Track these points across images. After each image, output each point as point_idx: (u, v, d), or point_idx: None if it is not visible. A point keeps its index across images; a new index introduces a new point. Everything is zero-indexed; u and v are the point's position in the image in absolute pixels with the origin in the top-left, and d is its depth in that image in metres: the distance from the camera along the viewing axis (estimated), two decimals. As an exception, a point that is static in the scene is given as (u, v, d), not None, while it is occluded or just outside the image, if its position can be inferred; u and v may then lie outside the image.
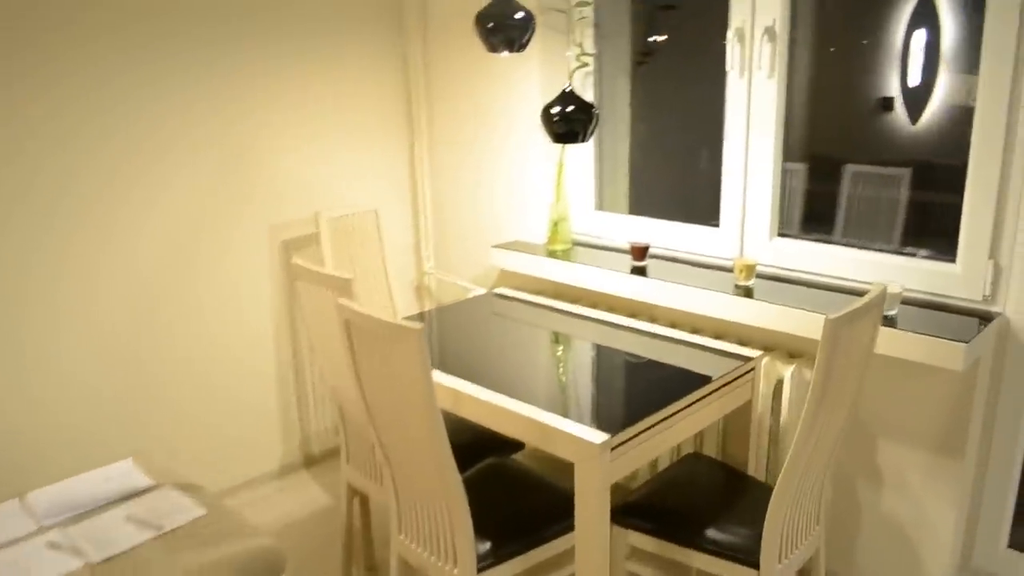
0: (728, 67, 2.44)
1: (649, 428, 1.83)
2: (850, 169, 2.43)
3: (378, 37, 3.16)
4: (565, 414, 1.83)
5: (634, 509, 1.97)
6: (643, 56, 2.94)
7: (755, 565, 1.77)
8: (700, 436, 2.48)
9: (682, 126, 2.88)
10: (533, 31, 2.52)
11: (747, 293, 2.25)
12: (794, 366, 2.21)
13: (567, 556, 1.95)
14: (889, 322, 1.98)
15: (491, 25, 2.48)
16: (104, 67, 2.45)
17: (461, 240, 3.34)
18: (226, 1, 2.68)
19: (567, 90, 2.54)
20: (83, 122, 2.43)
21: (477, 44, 3.05)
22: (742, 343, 2.40)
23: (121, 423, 2.65)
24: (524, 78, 2.90)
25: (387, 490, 1.94)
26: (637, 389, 1.98)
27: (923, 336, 1.89)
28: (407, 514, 1.92)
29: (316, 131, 3.03)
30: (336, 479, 3.11)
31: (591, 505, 1.73)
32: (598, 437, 1.71)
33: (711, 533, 1.85)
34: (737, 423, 2.29)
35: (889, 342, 1.95)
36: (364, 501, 2.48)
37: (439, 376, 2.06)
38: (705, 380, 2.01)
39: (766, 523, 1.72)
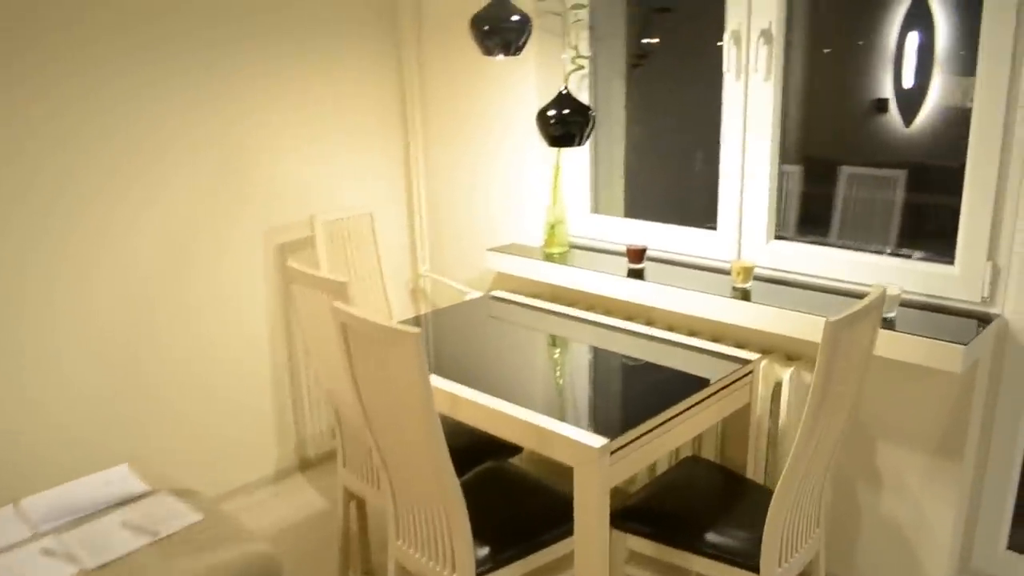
0: (725, 69, 2.44)
1: (648, 432, 1.83)
2: (845, 171, 2.43)
3: (373, 40, 3.16)
4: (563, 418, 1.82)
5: (633, 513, 1.96)
6: (638, 59, 2.94)
7: (755, 569, 1.76)
8: (699, 439, 2.47)
9: (677, 128, 2.88)
10: (529, 34, 2.52)
11: (745, 296, 2.24)
12: (792, 369, 2.20)
13: (566, 561, 1.94)
14: (888, 324, 1.98)
15: (487, 28, 2.47)
16: (105, 68, 2.44)
17: (457, 243, 3.34)
18: (224, 4, 2.67)
19: (563, 93, 2.53)
20: (83, 122, 2.42)
21: (472, 47, 3.04)
22: (740, 346, 2.39)
23: (116, 426, 2.63)
24: (520, 81, 2.90)
25: (384, 494, 1.93)
26: (635, 392, 1.97)
27: (922, 338, 1.89)
28: (404, 519, 1.91)
29: (311, 133, 3.02)
30: (332, 483, 3.10)
31: (590, 509, 1.72)
32: (597, 441, 1.70)
33: (711, 537, 1.84)
34: (735, 426, 2.28)
35: (888, 344, 1.95)
36: (361, 505, 2.47)
37: (436, 380, 2.05)
38: (703, 383, 2.01)
39: (766, 526, 1.72)
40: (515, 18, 2.46)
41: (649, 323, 2.61)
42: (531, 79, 2.86)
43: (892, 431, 2.17)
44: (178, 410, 2.78)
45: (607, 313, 2.72)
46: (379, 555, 2.60)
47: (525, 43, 2.54)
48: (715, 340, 2.44)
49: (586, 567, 1.77)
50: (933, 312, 2.06)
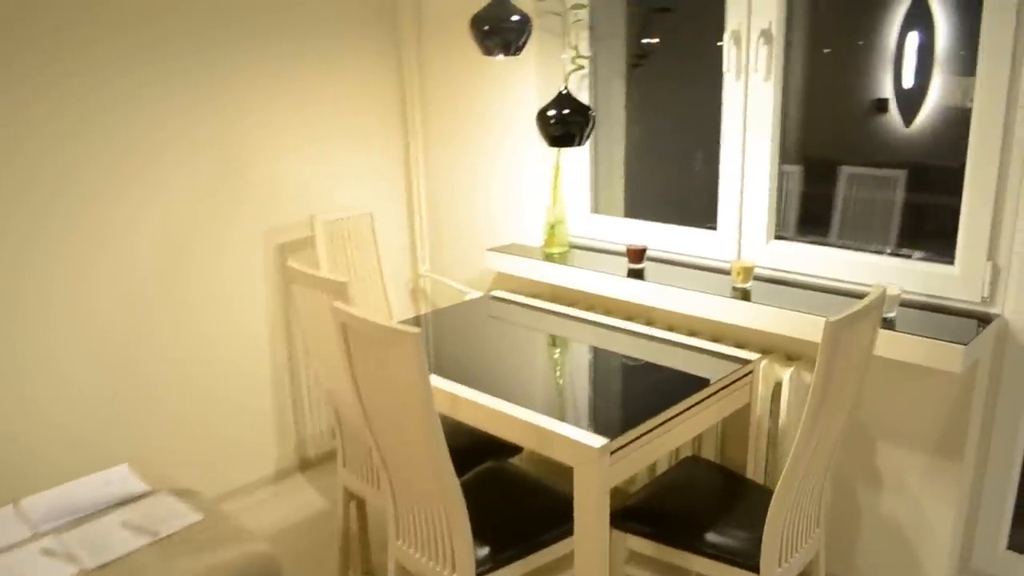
0: (725, 69, 2.44)
1: (648, 432, 1.83)
2: (845, 171, 2.43)
3: (373, 40, 3.16)
4: (563, 418, 1.82)
5: (633, 513, 1.96)
6: (638, 59, 2.94)
7: (755, 569, 1.76)
8: (698, 439, 2.47)
9: (677, 128, 2.88)
10: (529, 34, 2.52)
11: (745, 296, 2.24)
12: (792, 369, 2.20)
13: (566, 561, 1.94)
14: (888, 324, 1.98)
15: (487, 28, 2.47)
16: (103, 68, 2.44)
17: (457, 243, 3.34)
18: (223, 4, 2.67)
19: (563, 93, 2.53)
20: (82, 122, 2.42)
21: (472, 47, 3.04)
22: (740, 346, 2.39)
23: (115, 426, 2.63)
24: (520, 81, 2.90)
25: (384, 494, 1.93)
26: (635, 392, 1.97)
27: (922, 338, 1.89)
28: (404, 519, 1.91)
29: (311, 133, 3.02)
30: (332, 483, 3.10)
31: (590, 509, 1.72)
32: (597, 441, 1.70)
33: (711, 537, 1.84)
34: (735, 426, 2.28)
35: (888, 344, 1.95)
36: (361, 505, 2.47)
37: (436, 380, 2.05)
38: (703, 383, 2.01)
39: (766, 526, 1.72)
40: (515, 18, 2.46)
41: (649, 323, 2.61)
42: (531, 79, 2.86)
43: (892, 431, 2.17)
44: (177, 410, 2.78)
45: (607, 313, 2.72)
46: (379, 555, 2.59)
47: (525, 43, 2.53)
48: (715, 340, 2.44)
49: (586, 567, 1.77)
50: (933, 312, 2.06)
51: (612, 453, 1.73)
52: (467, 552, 1.75)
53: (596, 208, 3.02)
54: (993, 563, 2.17)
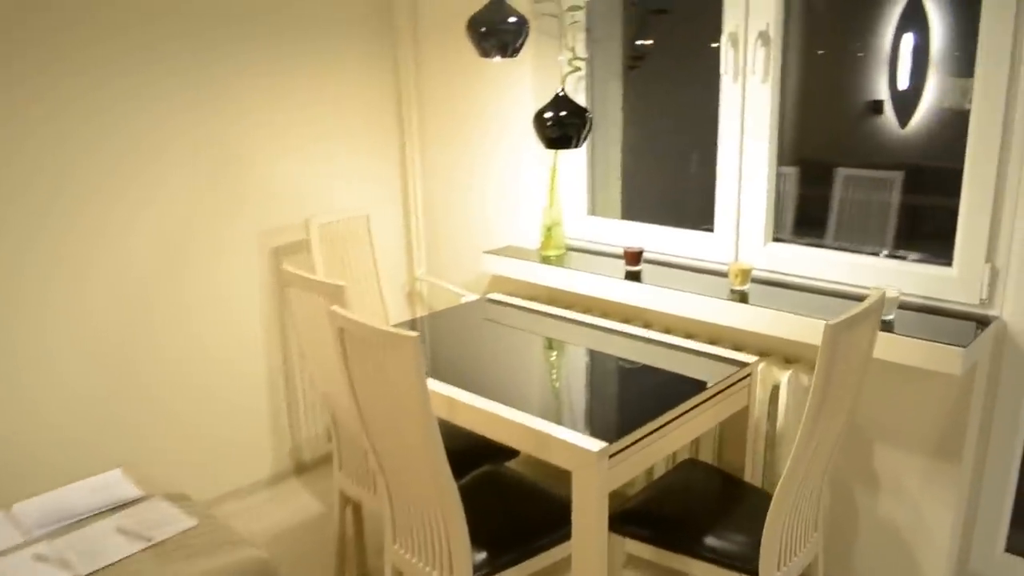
0: (722, 71, 2.43)
1: (646, 435, 1.82)
2: (842, 173, 2.43)
3: (369, 41, 3.15)
4: (561, 422, 1.81)
5: (631, 517, 1.95)
6: (635, 60, 2.94)
7: (754, 572, 1.75)
8: (696, 442, 2.46)
9: (674, 130, 2.88)
10: (526, 36, 2.51)
11: (742, 298, 2.24)
12: (790, 371, 2.20)
13: (564, 565, 1.93)
14: (887, 327, 1.97)
15: (484, 30, 2.46)
16: (102, 69, 2.44)
17: (453, 245, 3.32)
18: (221, 5, 2.66)
19: (560, 94, 2.52)
20: (80, 123, 2.42)
21: (469, 48, 3.03)
22: (737, 348, 2.38)
23: (110, 428, 2.61)
24: (516, 83, 2.89)
25: (381, 498, 1.92)
26: (633, 395, 1.96)
27: (921, 341, 1.89)
28: (401, 523, 1.90)
29: (307, 135, 3.01)
30: (328, 487, 3.08)
31: (589, 513, 1.71)
32: (595, 445, 1.69)
33: (709, 540, 1.83)
34: (733, 429, 2.27)
35: (887, 347, 1.94)
36: (357, 509, 2.46)
37: (433, 383, 2.04)
38: (701, 386, 2.00)
39: (765, 530, 1.71)
40: (512, 20, 2.46)
41: (646, 326, 2.60)
42: (528, 81, 2.85)
43: (890, 434, 2.16)
44: (173, 412, 2.77)
45: (604, 316, 2.71)
46: (375, 560, 2.58)
47: (522, 45, 2.53)
48: (713, 343, 2.43)
49: (584, 571, 1.76)
50: (931, 314, 2.06)
51: (610, 457, 1.72)
52: (464, 556, 1.74)
53: (593, 210, 3.01)
54: (991, 565, 2.17)
